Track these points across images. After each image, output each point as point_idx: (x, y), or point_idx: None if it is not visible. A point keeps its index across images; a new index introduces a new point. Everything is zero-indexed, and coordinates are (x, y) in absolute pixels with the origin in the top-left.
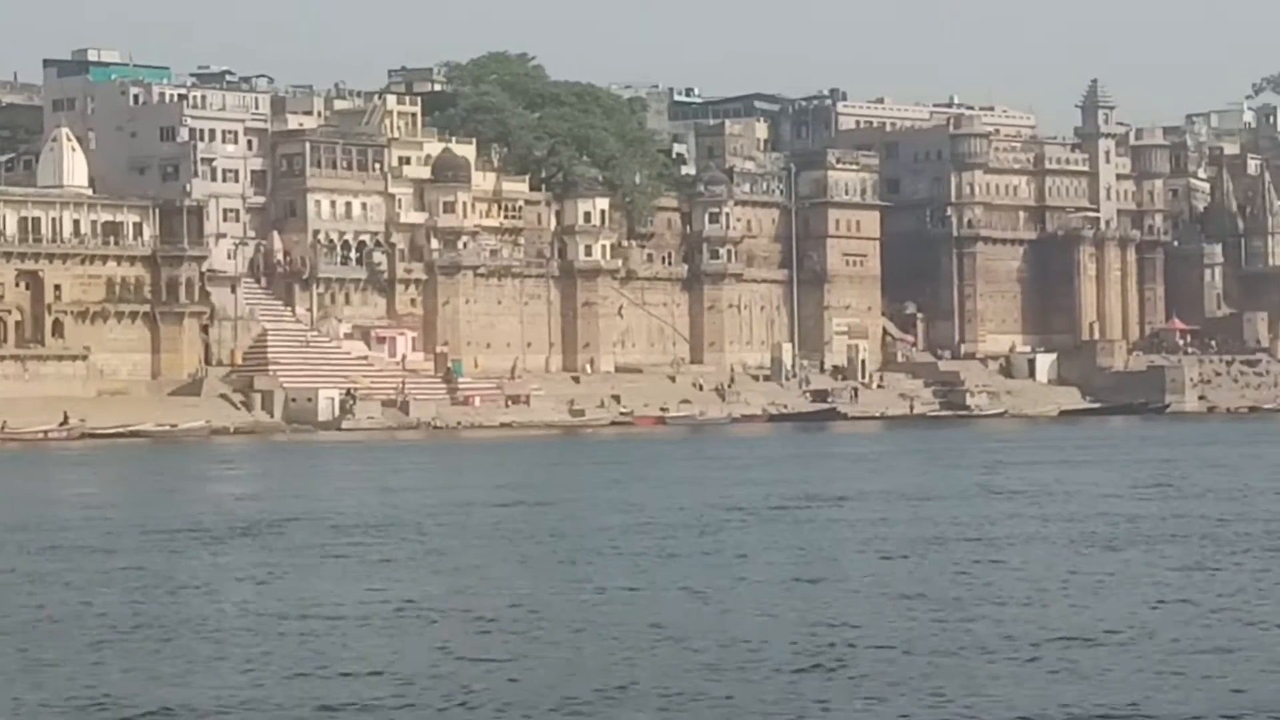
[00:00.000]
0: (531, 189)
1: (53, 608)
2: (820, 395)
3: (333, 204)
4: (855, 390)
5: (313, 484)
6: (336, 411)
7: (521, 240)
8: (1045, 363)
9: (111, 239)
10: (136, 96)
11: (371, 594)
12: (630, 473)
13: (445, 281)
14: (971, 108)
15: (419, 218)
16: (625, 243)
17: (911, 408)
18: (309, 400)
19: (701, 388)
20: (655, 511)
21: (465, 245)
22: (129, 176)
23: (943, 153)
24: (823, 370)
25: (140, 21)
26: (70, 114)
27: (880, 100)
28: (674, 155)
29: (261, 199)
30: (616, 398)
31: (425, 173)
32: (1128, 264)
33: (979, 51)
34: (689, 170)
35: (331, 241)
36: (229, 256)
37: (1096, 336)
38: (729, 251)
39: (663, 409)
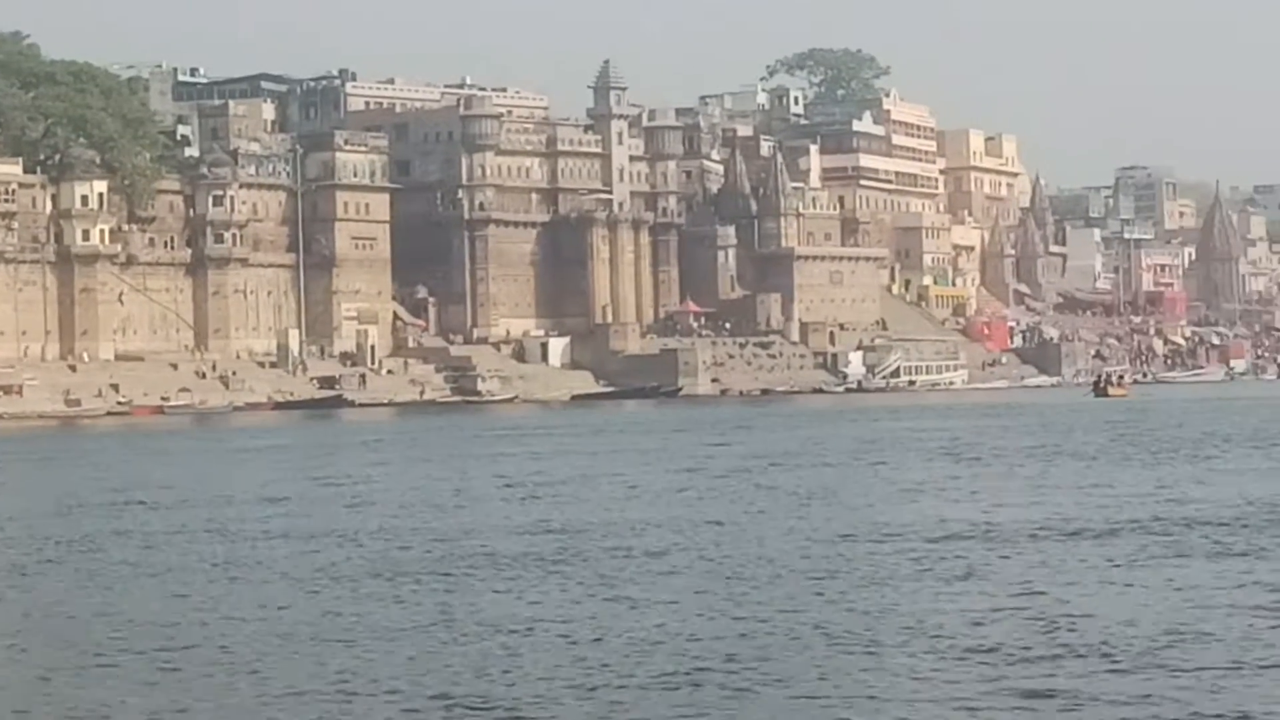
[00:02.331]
0: (26, 171)
1: None
2: (328, 382)
3: None
4: (363, 377)
5: None
6: None
7: (15, 225)
8: (558, 347)
9: None
10: None
11: None
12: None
13: None
14: (483, 89)
15: None
16: (126, 227)
17: (422, 393)
18: None
19: (205, 375)
20: None
21: None
22: None
23: (454, 134)
24: (324, 356)
25: None
26: None
27: (390, 81)
28: (178, 137)
29: None
30: (115, 386)
31: None
32: (641, 246)
33: (491, 33)
34: (193, 152)
35: None
36: None
37: (610, 320)
38: (234, 235)
39: (163, 398)
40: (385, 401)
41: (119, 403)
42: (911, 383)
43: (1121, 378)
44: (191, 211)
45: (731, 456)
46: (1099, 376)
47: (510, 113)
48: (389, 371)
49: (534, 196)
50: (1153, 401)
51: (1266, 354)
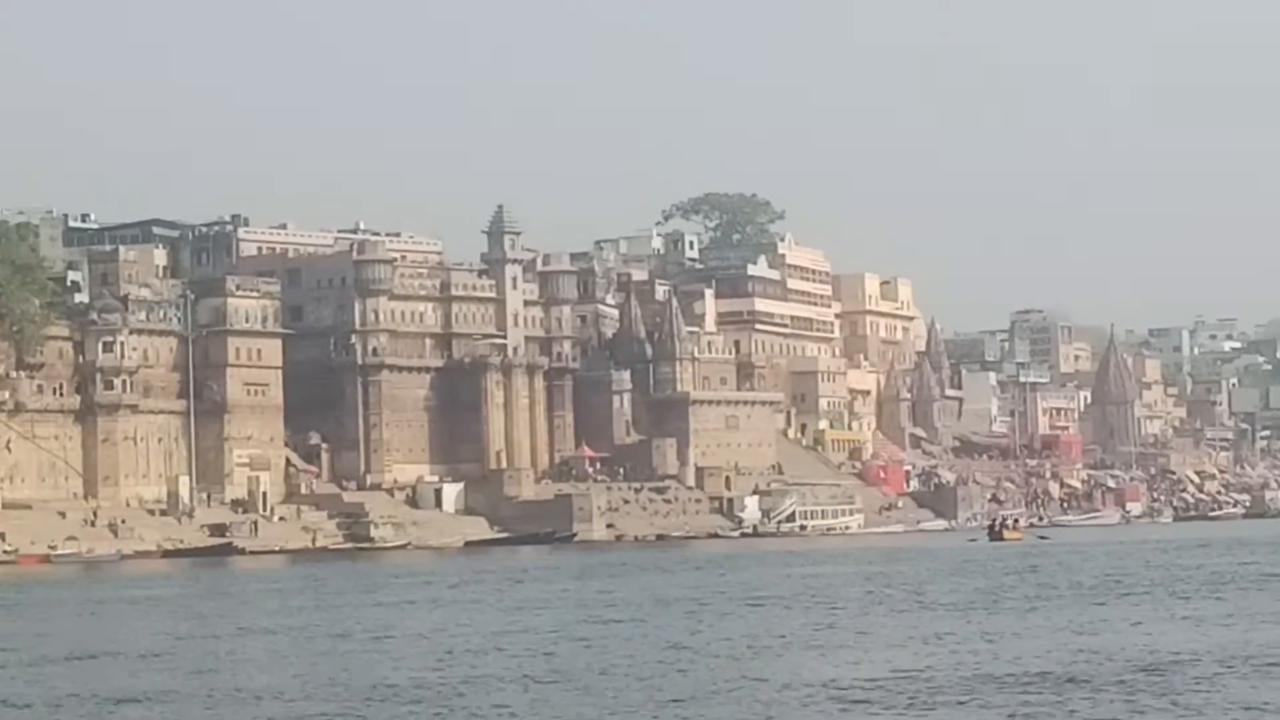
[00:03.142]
0: None
1: None
2: (219, 529)
3: None
4: (255, 524)
5: None
6: None
7: None
8: (452, 492)
9: None
10: None
11: None
12: None
13: None
14: (377, 234)
15: None
16: (14, 373)
17: (314, 540)
18: None
19: (93, 523)
20: None
21: None
22: None
23: (346, 279)
24: (210, 504)
25: None
26: None
27: (283, 226)
28: (68, 283)
29: None
30: (1, 535)
31: None
32: (536, 391)
33: (384, 177)
34: (83, 298)
35: None
36: None
37: (504, 465)
38: (124, 382)
39: (50, 547)
40: (276, 549)
41: (5, 552)
42: (803, 528)
43: (1017, 521)
44: (81, 358)
45: (569, 607)
46: (994, 520)
47: (404, 257)
48: (281, 518)
49: (428, 341)
50: (1047, 546)
51: (1162, 497)
